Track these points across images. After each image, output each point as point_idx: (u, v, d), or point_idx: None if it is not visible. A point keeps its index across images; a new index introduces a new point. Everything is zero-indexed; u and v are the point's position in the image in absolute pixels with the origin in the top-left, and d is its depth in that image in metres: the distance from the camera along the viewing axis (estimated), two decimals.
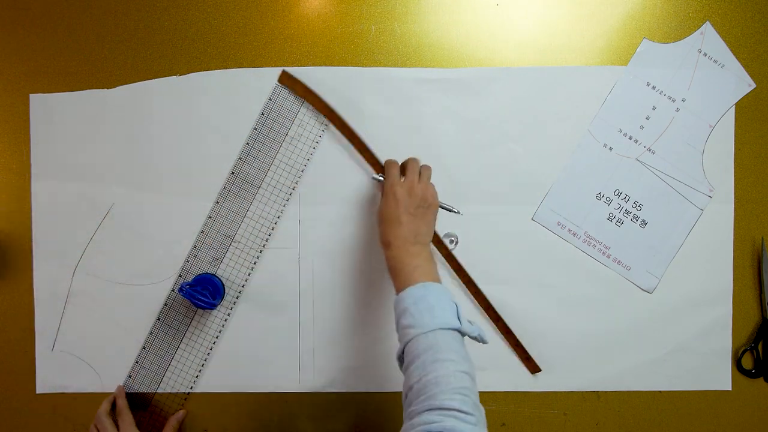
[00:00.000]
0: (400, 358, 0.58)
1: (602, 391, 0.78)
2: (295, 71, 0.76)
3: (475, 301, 0.77)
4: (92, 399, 0.77)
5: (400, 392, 0.77)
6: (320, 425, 0.78)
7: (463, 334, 0.57)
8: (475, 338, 0.59)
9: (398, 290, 0.60)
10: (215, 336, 0.77)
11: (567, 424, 0.78)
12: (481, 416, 0.51)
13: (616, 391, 0.78)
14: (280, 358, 0.77)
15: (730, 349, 0.78)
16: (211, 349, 0.77)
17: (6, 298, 0.77)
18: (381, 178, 0.70)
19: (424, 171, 0.69)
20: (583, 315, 0.78)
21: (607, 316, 0.78)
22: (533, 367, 0.78)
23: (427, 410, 0.50)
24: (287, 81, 0.76)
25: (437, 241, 0.77)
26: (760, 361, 0.78)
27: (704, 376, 0.78)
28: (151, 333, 0.77)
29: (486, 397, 0.78)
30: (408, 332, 0.56)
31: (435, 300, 0.57)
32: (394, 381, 0.77)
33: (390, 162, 0.70)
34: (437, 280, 0.61)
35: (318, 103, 0.76)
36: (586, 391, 0.78)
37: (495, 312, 0.77)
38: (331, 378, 0.77)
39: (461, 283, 0.77)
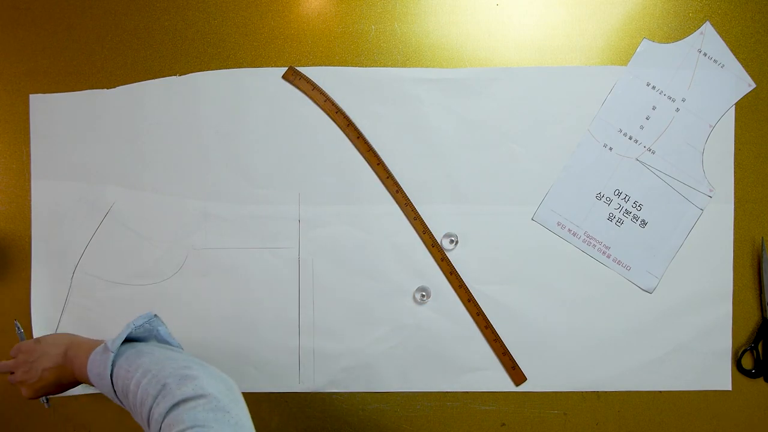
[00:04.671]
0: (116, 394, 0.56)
1: (602, 391, 0.78)
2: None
3: (466, 307, 0.77)
4: (92, 399, 0.77)
5: (401, 392, 0.77)
6: (320, 425, 0.78)
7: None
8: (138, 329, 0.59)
9: (83, 371, 0.59)
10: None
11: (567, 424, 0.78)
12: (208, 380, 0.51)
13: (616, 391, 0.78)
14: (280, 358, 0.77)
15: (730, 349, 0.78)
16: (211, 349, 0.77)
17: (6, 298, 0.77)
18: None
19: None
20: (583, 315, 0.78)
21: (607, 316, 0.78)
22: (519, 378, 0.77)
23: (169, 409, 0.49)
24: (293, 77, 0.76)
25: (434, 242, 0.77)
26: (760, 361, 0.78)
27: (704, 376, 0.78)
28: None
29: (486, 397, 0.78)
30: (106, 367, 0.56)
31: (92, 374, 0.57)
32: (394, 381, 0.77)
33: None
34: (82, 361, 0.60)
35: (323, 101, 0.76)
36: (586, 391, 0.78)
37: (485, 318, 0.77)
38: (331, 378, 0.77)
39: (453, 287, 0.77)
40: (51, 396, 0.72)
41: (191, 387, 0.50)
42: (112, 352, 0.56)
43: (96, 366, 0.57)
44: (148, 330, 0.60)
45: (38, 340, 0.66)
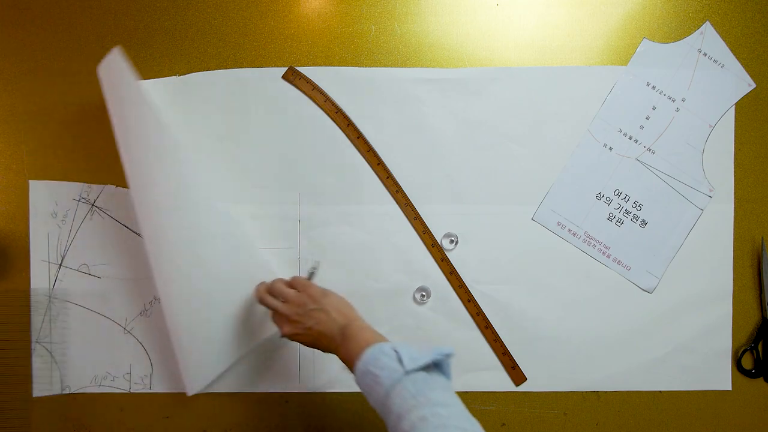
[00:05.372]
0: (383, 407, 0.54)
1: (602, 391, 0.78)
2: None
3: (466, 307, 0.77)
4: (92, 399, 0.77)
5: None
6: (320, 425, 0.78)
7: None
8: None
9: (355, 362, 0.57)
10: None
11: (567, 424, 0.78)
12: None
13: (616, 391, 0.78)
14: (280, 358, 0.77)
15: (730, 349, 0.78)
16: None
17: (5, 297, 0.77)
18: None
19: (289, 284, 0.68)
20: (583, 315, 0.78)
21: (607, 316, 0.78)
22: (519, 378, 0.77)
23: None
24: (293, 77, 0.76)
25: (434, 242, 0.77)
26: (760, 361, 0.78)
27: (704, 376, 0.78)
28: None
29: (486, 397, 0.78)
30: (375, 406, 0.54)
31: (373, 366, 0.55)
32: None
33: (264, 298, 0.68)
34: (366, 343, 0.58)
35: (323, 101, 0.76)
36: (586, 391, 0.78)
37: (485, 318, 0.77)
38: (331, 378, 0.77)
39: (453, 287, 0.77)
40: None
41: None
42: (406, 369, 0.53)
43: (374, 365, 0.55)
44: (441, 362, 0.56)
45: (326, 293, 0.65)
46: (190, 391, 0.73)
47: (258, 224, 0.76)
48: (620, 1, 0.77)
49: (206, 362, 0.73)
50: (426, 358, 0.54)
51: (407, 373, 0.53)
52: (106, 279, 0.77)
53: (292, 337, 0.65)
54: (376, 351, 0.56)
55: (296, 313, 0.64)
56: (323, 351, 0.64)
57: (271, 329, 0.71)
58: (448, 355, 0.56)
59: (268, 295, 0.67)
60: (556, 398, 0.78)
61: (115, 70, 0.69)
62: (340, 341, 0.61)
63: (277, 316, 0.66)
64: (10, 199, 0.77)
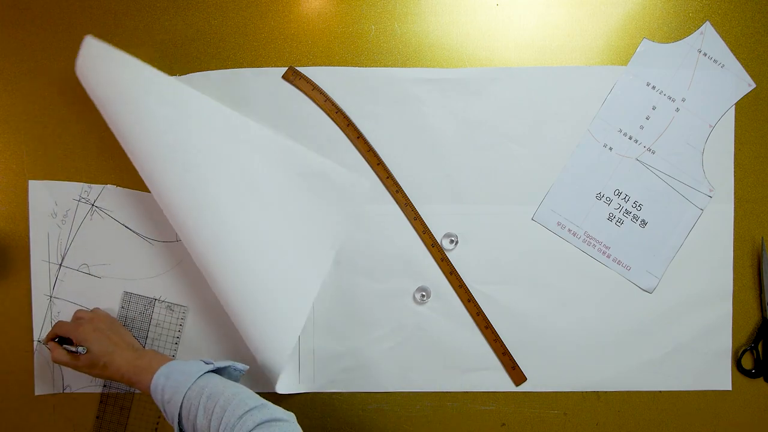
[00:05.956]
0: (179, 426, 0.61)
1: (602, 391, 0.78)
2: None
3: (466, 307, 0.77)
4: (92, 399, 0.77)
5: (401, 392, 0.77)
6: (320, 425, 0.78)
7: (217, 370, 0.65)
8: (229, 368, 0.67)
9: (147, 389, 0.64)
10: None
11: (567, 424, 0.78)
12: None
13: (616, 391, 0.78)
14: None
15: (730, 349, 0.78)
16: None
17: (6, 297, 0.77)
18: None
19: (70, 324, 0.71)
20: (583, 315, 0.78)
21: (607, 316, 0.78)
22: (518, 378, 0.77)
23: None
24: (293, 77, 0.76)
25: (434, 242, 0.77)
26: (760, 361, 0.78)
27: (704, 376, 0.78)
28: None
29: (486, 397, 0.78)
30: (178, 394, 0.61)
31: (180, 366, 0.64)
32: (394, 381, 0.77)
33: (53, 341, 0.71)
34: (164, 359, 0.66)
35: (323, 101, 0.76)
36: (586, 391, 0.78)
37: (485, 318, 0.77)
38: (331, 378, 0.77)
39: (453, 287, 0.77)
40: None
41: (278, 412, 0.59)
42: (212, 364, 0.65)
43: (182, 366, 0.64)
44: (232, 375, 0.68)
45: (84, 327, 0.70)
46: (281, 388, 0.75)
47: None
48: (620, 1, 0.77)
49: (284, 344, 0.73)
50: (226, 363, 0.67)
51: (212, 369, 0.64)
52: (106, 279, 0.77)
53: (94, 340, 0.68)
54: (181, 361, 0.66)
55: (103, 322, 0.70)
56: (102, 366, 0.67)
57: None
58: (242, 371, 0.68)
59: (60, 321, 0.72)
60: (556, 398, 0.78)
61: (96, 64, 0.68)
62: (137, 356, 0.67)
63: (75, 326, 0.69)
64: (10, 199, 0.77)
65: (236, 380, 0.67)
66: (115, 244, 0.76)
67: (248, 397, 0.59)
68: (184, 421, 0.60)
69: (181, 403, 0.60)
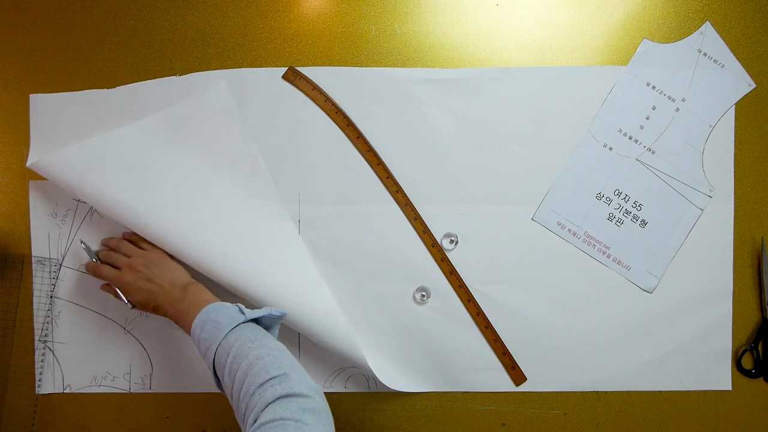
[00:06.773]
0: (216, 378, 0.61)
1: (602, 391, 0.78)
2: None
3: (466, 307, 0.77)
4: (92, 399, 0.77)
5: (401, 391, 0.77)
6: None
7: (255, 320, 0.63)
8: (266, 317, 0.64)
9: (188, 330, 0.63)
10: None
11: (567, 424, 0.78)
12: (312, 387, 0.56)
13: (616, 391, 0.78)
14: None
15: (730, 349, 0.78)
16: None
17: (5, 297, 0.77)
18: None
19: (121, 246, 0.73)
20: (583, 315, 0.78)
21: (607, 316, 0.78)
22: (519, 378, 0.77)
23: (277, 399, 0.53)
24: (293, 77, 0.76)
25: (434, 242, 0.77)
26: (760, 361, 0.78)
27: (704, 376, 0.78)
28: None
29: (486, 397, 0.78)
30: (210, 350, 0.60)
31: (215, 314, 0.62)
32: (394, 381, 0.77)
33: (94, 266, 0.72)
34: (210, 300, 0.65)
35: (323, 101, 0.76)
36: (586, 391, 0.78)
37: (485, 318, 0.77)
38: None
39: (453, 287, 0.77)
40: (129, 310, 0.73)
41: (300, 385, 0.54)
42: (246, 317, 0.61)
43: (216, 315, 0.61)
44: (271, 321, 0.65)
45: (166, 256, 0.71)
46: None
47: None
48: (620, 1, 0.77)
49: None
50: (263, 312, 0.63)
51: (246, 321, 0.61)
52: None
53: (135, 291, 0.68)
54: (218, 305, 0.63)
55: (142, 264, 0.69)
56: (153, 310, 0.68)
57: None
58: (280, 317, 0.65)
59: (102, 266, 0.71)
60: (556, 398, 0.78)
61: (56, 167, 0.71)
62: (180, 296, 0.66)
63: (117, 277, 0.69)
64: (11, 199, 0.77)
65: (274, 327, 0.65)
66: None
67: (271, 363, 0.56)
68: (219, 376, 0.59)
69: (213, 360, 0.59)
